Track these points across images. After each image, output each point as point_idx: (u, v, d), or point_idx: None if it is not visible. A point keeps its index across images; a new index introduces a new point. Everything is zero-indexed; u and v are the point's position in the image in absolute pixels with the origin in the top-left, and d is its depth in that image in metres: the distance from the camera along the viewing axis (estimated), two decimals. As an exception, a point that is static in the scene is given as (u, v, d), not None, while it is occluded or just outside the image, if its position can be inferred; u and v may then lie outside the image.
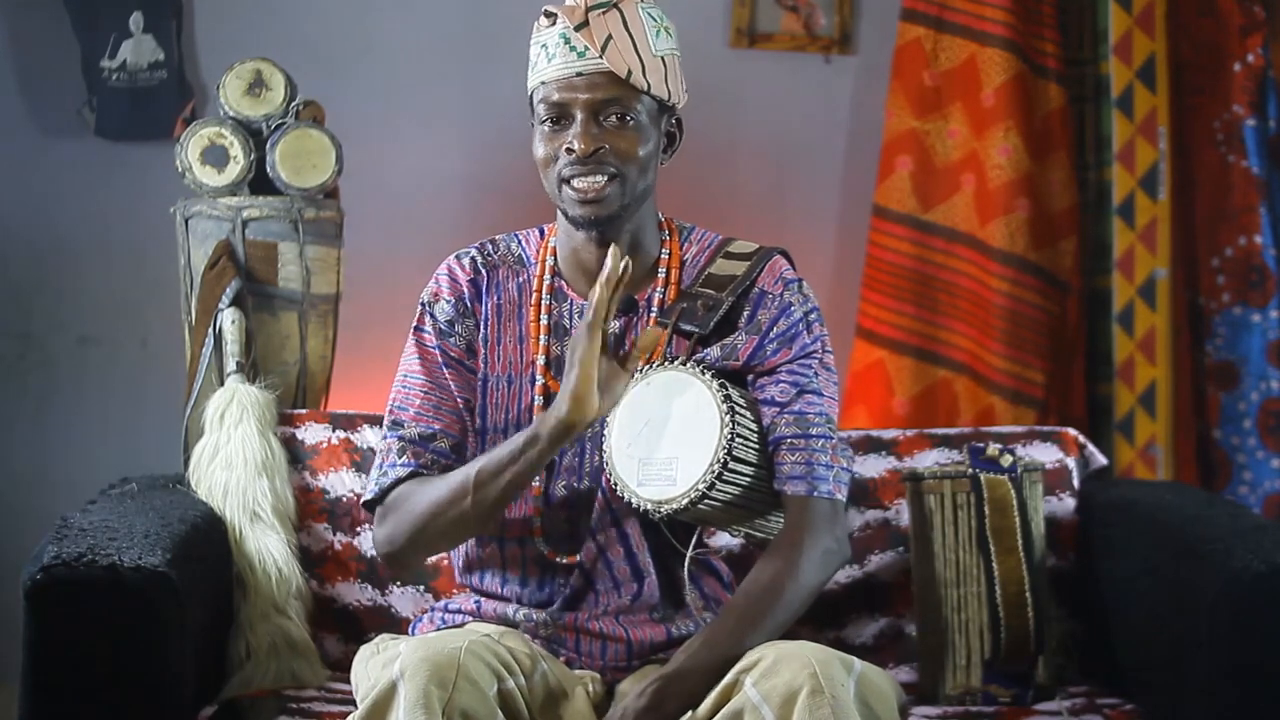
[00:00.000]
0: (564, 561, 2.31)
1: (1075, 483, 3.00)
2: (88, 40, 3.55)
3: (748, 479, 2.23)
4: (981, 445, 2.84)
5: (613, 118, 2.23)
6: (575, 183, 2.23)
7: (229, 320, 3.02)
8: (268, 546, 2.79)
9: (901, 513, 2.93)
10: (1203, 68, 3.55)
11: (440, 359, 2.36)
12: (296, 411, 3.03)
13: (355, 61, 3.63)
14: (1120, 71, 3.53)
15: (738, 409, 2.21)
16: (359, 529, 2.92)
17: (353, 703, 2.48)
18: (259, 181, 3.13)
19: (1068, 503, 2.98)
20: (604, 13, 2.24)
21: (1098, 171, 3.61)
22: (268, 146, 3.11)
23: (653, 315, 2.33)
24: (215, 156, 3.11)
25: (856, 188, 3.70)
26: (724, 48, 3.68)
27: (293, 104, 3.15)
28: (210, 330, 3.03)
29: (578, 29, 2.23)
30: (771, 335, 2.29)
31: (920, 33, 3.58)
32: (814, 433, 2.26)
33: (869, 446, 2.99)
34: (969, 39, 3.56)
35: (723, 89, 3.63)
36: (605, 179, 2.23)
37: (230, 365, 3.00)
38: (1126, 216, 3.54)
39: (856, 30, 3.72)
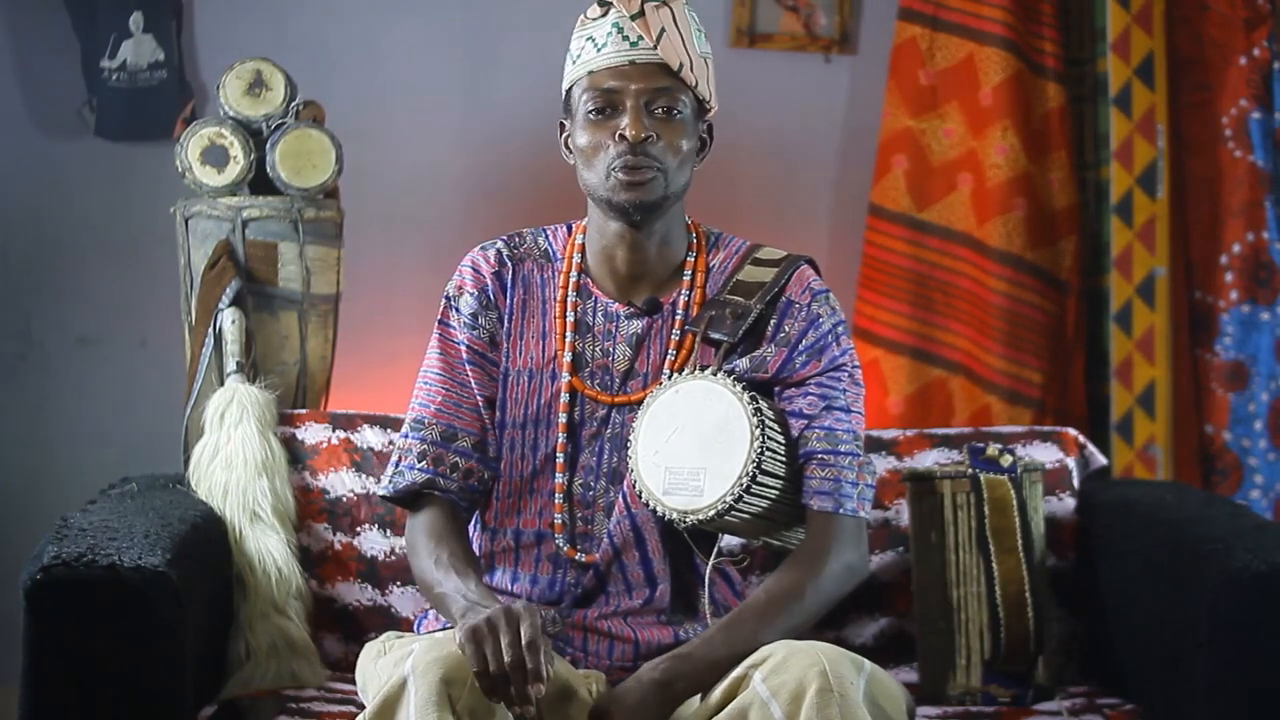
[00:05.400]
0: (581, 560, 2.31)
1: (1075, 483, 3.01)
2: (88, 40, 3.55)
3: (775, 492, 2.24)
4: (981, 445, 2.84)
5: (660, 109, 2.25)
6: (622, 172, 2.23)
7: (229, 320, 3.02)
8: (268, 546, 2.79)
9: (901, 513, 2.94)
10: (1208, 63, 3.55)
11: (464, 354, 2.37)
12: (296, 411, 3.03)
13: (355, 61, 3.63)
14: (1118, 69, 3.53)
15: (767, 422, 2.21)
16: (359, 529, 2.92)
17: (353, 703, 2.49)
18: (259, 181, 3.13)
19: (1068, 503, 2.98)
20: (658, 7, 2.26)
21: (1096, 170, 3.61)
22: (268, 146, 3.11)
23: (678, 319, 2.33)
24: (215, 156, 3.11)
25: (856, 187, 3.70)
26: (724, 48, 3.68)
27: (293, 104, 3.15)
28: (210, 330, 3.03)
29: (633, 18, 2.24)
30: (800, 348, 2.30)
31: (916, 31, 3.59)
32: (842, 449, 2.27)
33: (869, 446, 2.98)
34: (966, 38, 3.56)
35: (722, 89, 3.59)
36: (650, 170, 2.24)
37: (230, 365, 3.00)
38: (1124, 215, 3.54)
39: (856, 30, 3.72)
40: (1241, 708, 2.37)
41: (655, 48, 2.24)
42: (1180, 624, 2.51)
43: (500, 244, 2.42)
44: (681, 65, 2.25)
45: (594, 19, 2.29)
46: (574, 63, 2.30)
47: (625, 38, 2.25)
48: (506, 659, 1.97)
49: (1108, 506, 2.93)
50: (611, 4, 2.27)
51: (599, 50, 2.26)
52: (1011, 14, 3.54)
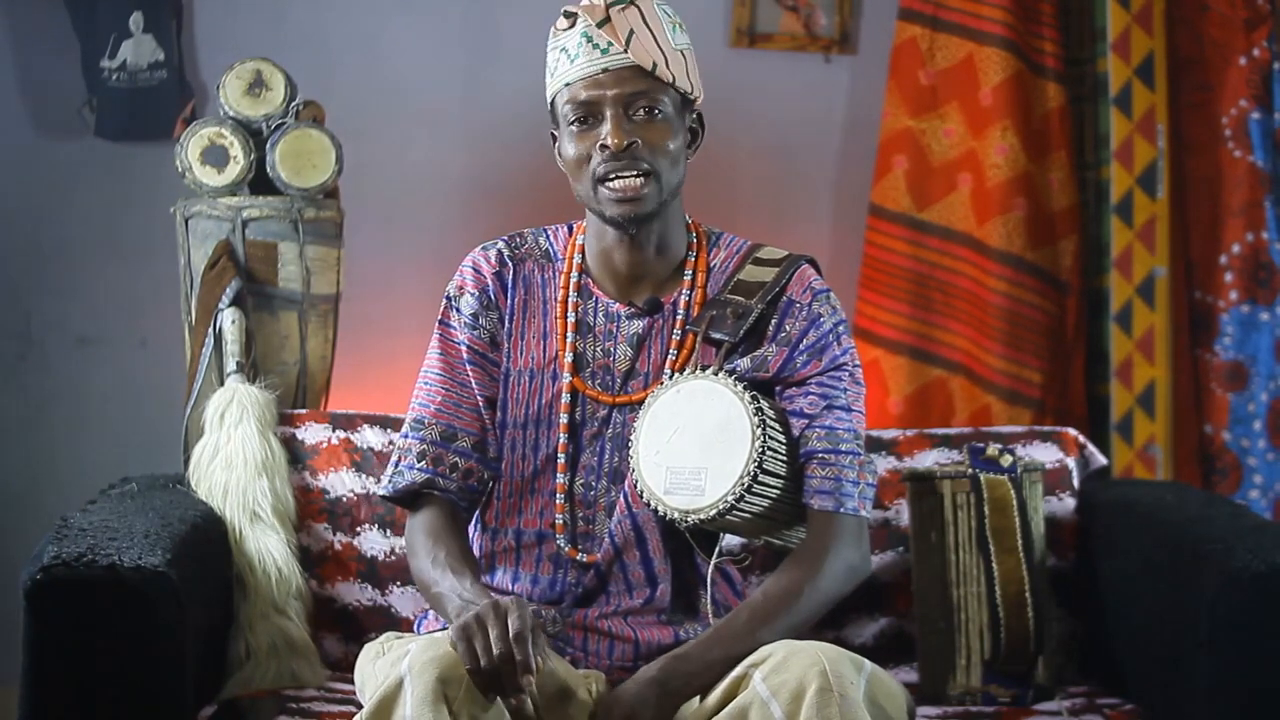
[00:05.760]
0: (582, 560, 2.31)
1: (1075, 483, 3.01)
2: (88, 40, 3.55)
3: (776, 491, 2.24)
4: (981, 445, 2.84)
5: (641, 111, 2.24)
6: (612, 182, 2.23)
7: (229, 320, 3.02)
8: (268, 546, 2.79)
9: (901, 513, 2.94)
10: (1207, 63, 3.55)
11: (464, 354, 2.37)
12: (296, 411, 3.03)
13: (355, 61, 3.63)
14: (1118, 69, 3.53)
15: (769, 422, 2.22)
16: (359, 529, 2.92)
17: (353, 703, 2.48)
18: (259, 181, 3.13)
19: (1068, 503, 2.98)
20: (623, 9, 2.25)
21: (1097, 170, 3.61)
22: (268, 146, 3.11)
23: (679, 319, 2.33)
24: (215, 156, 3.11)
25: (856, 187, 3.70)
26: (724, 48, 3.68)
27: (293, 104, 3.15)
28: (210, 330, 3.03)
29: (599, 25, 2.24)
30: (801, 347, 2.30)
31: (916, 32, 3.59)
32: (843, 449, 2.27)
33: (869, 446, 2.97)
34: (966, 38, 3.56)
35: (722, 89, 3.60)
36: (641, 177, 2.23)
37: (230, 365, 3.00)
38: (1124, 215, 3.54)
39: (856, 30, 3.72)
40: (1241, 708, 2.37)
41: (626, 51, 2.23)
42: (1180, 624, 2.51)
43: (501, 244, 2.42)
44: (656, 64, 2.24)
45: (564, 30, 2.28)
46: (551, 75, 2.30)
47: (595, 46, 2.24)
48: (495, 652, 1.97)
49: (1108, 506, 2.93)
50: (577, 14, 2.26)
51: (572, 61, 2.26)
52: (1011, 14, 3.54)
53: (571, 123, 2.26)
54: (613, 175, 2.23)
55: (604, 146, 2.22)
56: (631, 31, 2.24)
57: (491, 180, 3.63)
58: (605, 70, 2.23)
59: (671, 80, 2.25)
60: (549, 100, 2.31)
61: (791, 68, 3.72)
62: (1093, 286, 3.61)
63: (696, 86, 2.31)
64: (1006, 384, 3.53)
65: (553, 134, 2.33)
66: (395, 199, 3.63)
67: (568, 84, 2.26)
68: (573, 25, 2.26)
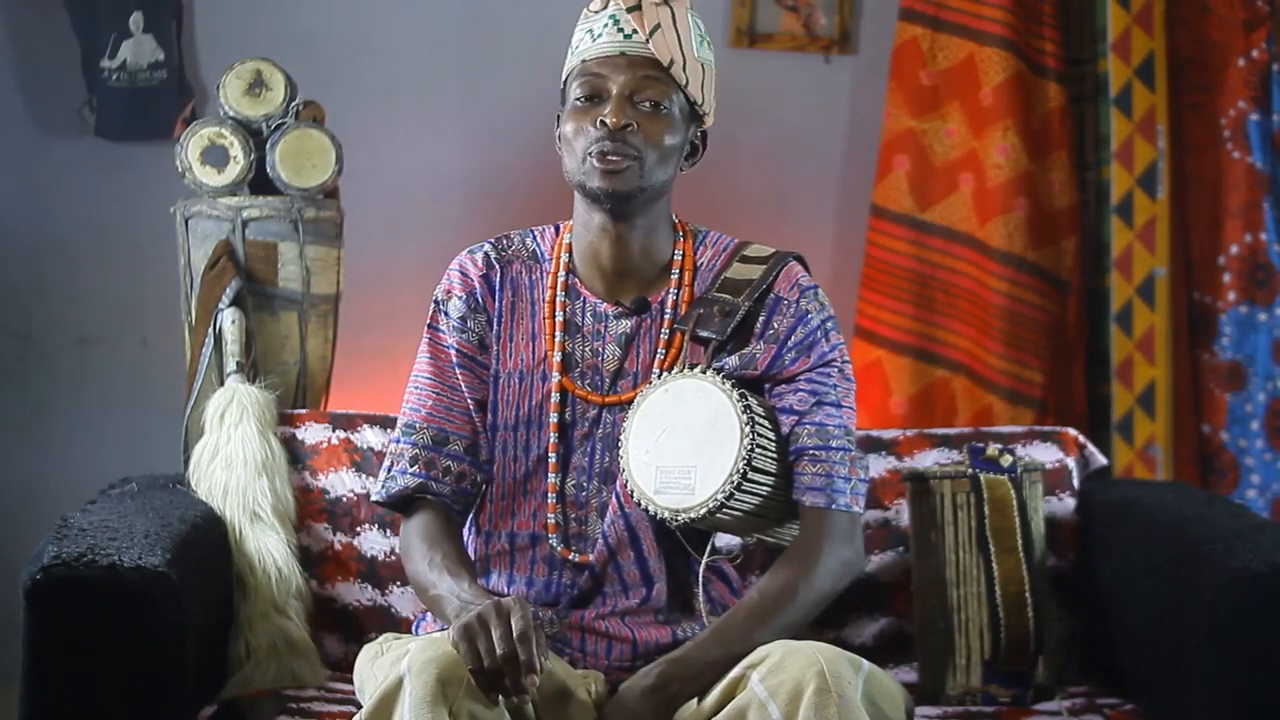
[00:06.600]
0: (576, 561, 2.31)
1: (1075, 483, 3.01)
2: (88, 40, 3.55)
3: (766, 489, 2.24)
4: (981, 445, 2.84)
5: (646, 103, 2.25)
6: (606, 156, 2.23)
7: (229, 320, 3.02)
8: (268, 546, 2.79)
9: (901, 513, 2.94)
10: (1207, 64, 3.56)
11: (454, 358, 2.37)
12: (296, 411, 3.03)
13: (355, 61, 3.63)
14: (1119, 70, 3.53)
15: (757, 419, 2.22)
16: (359, 529, 2.92)
17: (353, 703, 2.48)
18: (259, 181, 3.13)
19: (1068, 503, 2.98)
20: (657, 4, 2.27)
21: (1097, 171, 3.61)
22: (268, 146, 3.11)
23: (667, 317, 2.33)
24: (215, 156, 3.11)
25: (856, 187, 3.70)
26: (724, 48, 3.68)
27: (293, 104, 3.15)
28: (210, 330, 3.03)
29: (629, 10, 2.26)
30: (789, 344, 2.30)
31: (917, 32, 3.59)
32: (834, 445, 2.27)
33: (869, 446, 3.00)
34: (967, 38, 3.56)
35: (723, 89, 3.59)
36: (625, 159, 2.23)
37: (230, 365, 3.00)
38: (1125, 215, 3.54)
39: (856, 30, 3.73)
40: (1241, 707, 2.37)
41: (647, 42, 2.25)
42: (1180, 624, 2.51)
43: (488, 246, 2.42)
44: (673, 62, 2.25)
45: (595, 11, 2.31)
46: (572, 54, 2.32)
47: (620, 29, 2.26)
48: (499, 652, 1.98)
49: (1108, 506, 2.93)
50: None
51: (594, 41, 2.28)
52: (1012, 14, 3.54)
53: (577, 98, 2.27)
54: (602, 153, 2.23)
55: (602, 122, 2.23)
56: (658, 25, 2.26)
57: (491, 180, 3.63)
58: (623, 54, 2.25)
59: (684, 83, 2.27)
60: (563, 78, 2.33)
61: (791, 68, 3.72)
62: (1093, 286, 3.61)
63: (708, 102, 2.32)
64: (1008, 384, 3.53)
65: (558, 116, 2.34)
66: (395, 199, 3.63)
67: (584, 60, 2.28)
68: (604, 8, 2.29)
